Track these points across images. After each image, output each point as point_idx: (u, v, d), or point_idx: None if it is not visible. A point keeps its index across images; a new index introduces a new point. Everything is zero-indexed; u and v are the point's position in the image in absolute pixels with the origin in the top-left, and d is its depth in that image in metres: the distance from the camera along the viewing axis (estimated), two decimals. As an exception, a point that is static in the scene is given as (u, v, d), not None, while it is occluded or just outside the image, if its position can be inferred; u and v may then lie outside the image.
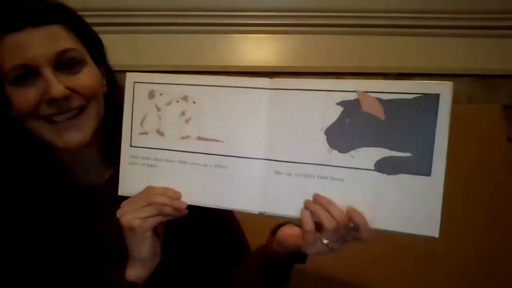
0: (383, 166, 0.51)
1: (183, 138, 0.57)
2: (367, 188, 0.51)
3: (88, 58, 0.62)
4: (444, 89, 0.48)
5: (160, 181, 0.57)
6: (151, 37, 1.23)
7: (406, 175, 0.50)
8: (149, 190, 0.56)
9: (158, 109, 0.57)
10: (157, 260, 0.58)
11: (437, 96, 0.48)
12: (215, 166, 0.56)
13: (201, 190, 0.56)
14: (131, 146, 0.59)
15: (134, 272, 0.57)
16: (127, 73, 0.59)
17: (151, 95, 0.58)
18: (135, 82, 0.58)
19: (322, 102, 0.52)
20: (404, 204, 0.50)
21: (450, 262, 1.10)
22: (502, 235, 1.12)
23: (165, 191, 0.56)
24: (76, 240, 0.63)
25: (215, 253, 0.72)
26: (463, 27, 1.23)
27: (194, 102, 0.56)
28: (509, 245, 1.11)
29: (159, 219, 0.55)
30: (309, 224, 0.52)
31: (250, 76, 0.57)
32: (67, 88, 0.57)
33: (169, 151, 0.57)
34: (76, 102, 0.58)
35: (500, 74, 1.25)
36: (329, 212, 0.51)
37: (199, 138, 0.56)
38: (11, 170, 0.62)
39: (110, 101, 0.65)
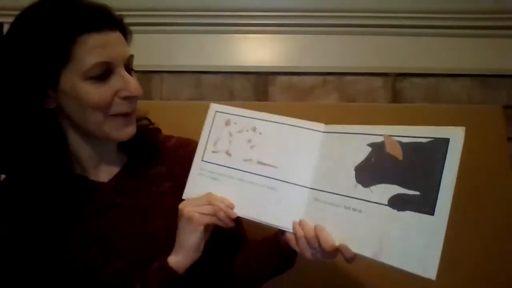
0: (394, 202, 0.55)
1: (245, 160, 0.68)
2: (378, 221, 0.55)
3: None
4: (454, 134, 0.53)
5: (219, 192, 0.67)
6: (151, 37, 1.23)
7: (412, 213, 0.53)
8: (210, 194, 0.65)
9: (230, 135, 0.70)
10: (198, 256, 0.64)
11: (447, 140, 0.53)
12: (268, 187, 0.65)
13: (251, 205, 0.65)
14: (202, 160, 0.70)
15: (176, 259, 0.63)
16: (211, 104, 0.73)
17: (227, 123, 0.71)
18: (216, 111, 0.72)
19: (360, 143, 0.60)
20: (406, 241, 0.53)
21: (450, 262, 1.10)
22: (502, 235, 1.12)
23: (222, 199, 0.65)
24: (85, 229, 0.65)
25: (217, 240, 0.74)
26: (463, 27, 1.23)
27: (260, 133, 0.68)
28: (509, 245, 1.11)
29: (213, 219, 0.63)
30: (299, 232, 0.60)
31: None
32: None
33: (232, 169, 0.68)
34: (135, 102, 0.67)
35: (500, 74, 1.25)
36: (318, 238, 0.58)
37: (259, 162, 0.67)
38: (28, 160, 0.64)
39: None
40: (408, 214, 0.53)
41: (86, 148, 0.69)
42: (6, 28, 1.20)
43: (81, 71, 0.60)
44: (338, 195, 0.60)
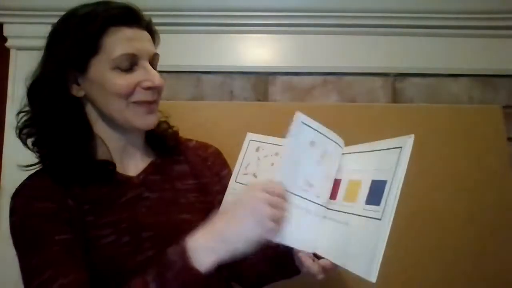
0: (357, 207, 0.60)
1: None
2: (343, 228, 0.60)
3: None
4: (405, 142, 0.56)
5: None
6: (151, 37, 1.23)
7: (359, 217, 0.58)
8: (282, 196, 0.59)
9: (258, 159, 0.77)
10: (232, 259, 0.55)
11: (399, 149, 0.57)
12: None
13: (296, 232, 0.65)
14: (235, 181, 0.77)
15: (207, 259, 0.53)
16: (248, 133, 0.81)
17: (257, 149, 0.78)
18: (250, 140, 0.80)
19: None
20: (356, 244, 0.57)
21: (450, 262, 1.10)
22: (502, 235, 1.12)
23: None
24: (118, 218, 0.68)
25: None
26: (463, 27, 1.23)
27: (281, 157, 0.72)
28: (509, 244, 1.11)
29: (281, 214, 0.57)
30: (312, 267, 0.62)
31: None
32: None
33: None
34: (157, 93, 0.71)
35: (500, 74, 1.25)
36: None
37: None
38: (58, 145, 0.69)
39: None
40: (368, 221, 0.56)
41: (113, 138, 0.73)
42: (6, 28, 1.20)
43: (109, 60, 0.66)
44: (332, 210, 0.64)
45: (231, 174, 0.79)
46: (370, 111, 1.20)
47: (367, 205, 0.58)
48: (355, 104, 1.24)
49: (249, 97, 1.25)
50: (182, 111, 1.20)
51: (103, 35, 0.65)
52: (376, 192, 0.57)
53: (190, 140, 0.86)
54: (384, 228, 0.52)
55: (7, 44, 1.20)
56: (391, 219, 0.53)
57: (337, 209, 0.63)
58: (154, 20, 0.76)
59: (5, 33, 1.20)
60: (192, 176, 0.79)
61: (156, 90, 0.71)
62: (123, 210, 0.69)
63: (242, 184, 0.76)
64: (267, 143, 0.78)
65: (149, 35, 0.72)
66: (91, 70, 0.67)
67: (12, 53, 1.20)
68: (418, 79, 1.25)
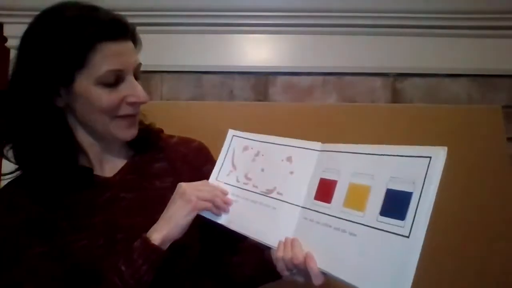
0: (381, 225, 0.53)
1: (248, 179, 0.74)
2: (367, 244, 0.53)
3: None
4: (436, 153, 0.50)
5: None
6: (150, 37, 1.22)
7: (390, 234, 0.51)
8: (208, 182, 0.73)
9: (253, 160, 0.74)
10: (179, 235, 0.65)
11: (428, 159, 0.51)
12: (264, 205, 0.69)
13: (247, 220, 0.69)
14: (216, 179, 0.76)
15: (160, 235, 0.64)
16: (229, 130, 0.80)
17: (246, 148, 0.76)
18: (233, 136, 0.79)
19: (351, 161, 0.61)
20: (383, 262, 0.51)
21: (449, 261, 1.10)
22: (502, 235, 1.12)
23: (219, 185, 0.74)
24: (92, 220, 0.68)
25: (212, 236, 0.77)
26: (463, 27, 1.23)
27: (262, 155, 0.73)
28: (509, 244, 1.12)
29: (208, 205, 0.68)
30: (279, 254, 0.61)
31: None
32: None
33: (234, 187, 0.74)
34: (138, 106, 0.71)
35: (500, 74, 1.25)
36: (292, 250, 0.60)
37: (258, 181, 0.72)
38: (37, 152, 0.67)
39: None
40: (387, 236, 0.51)
41: (92, 144, 0.73)
42: (6, 28, 1.20)
43: (94, 77, 0.64)
44: (328, 216, 0.59)
45: None
46: (370, 111, 1.20)
47: (383, 217, 0.52)
48: (355, 104, 1.24)
49: (249, 97, 1.25)
50: (182, 111, 1.20)
51: (90, 51, 0.63)
52: (395, 204, 0.52)
53: (172, 136, 0.84)
54: (415, 248, 0.48)
55: (7, 44, 1.20)
56: (422, 238, 0.48)
57: (335, 215, 0.58)
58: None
59: (5, 33, 1.20)
60: (171, 173, 0.77)
61: (138, 104, 0.70)
62: (99, 213, 0.69)
63: (229, 184, 0.74)
64: (251, 139, 0.76)
65: (133, 45, 0.69)
66: (75, 84, 0.65)
67: (12, 53, 1.20)
68: (418, 79, 1.26)
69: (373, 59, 1.24)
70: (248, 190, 0.72)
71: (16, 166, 0.70)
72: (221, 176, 0.76)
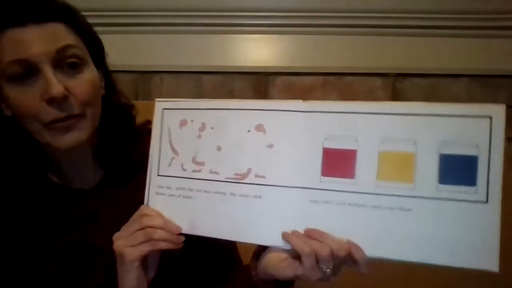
0: (440, 193, 0.48)
1: (197, 164, 0.57)
2: (421, 219, 0.48)
3: (89, 59, 0.60)
4: (496, 111, 0.46)
5: (180, 213, 0.56)
6: (150, 37, 1.22)
7: (461, 203, 0.47)
8: (142, 213, 0.55)
9: (199, 137, 0.58)
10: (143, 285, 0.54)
11: (489, 119, 0.46)
12: (240, 195, 0.54)
13: (219, 220, 0.54)
14: (158, 175, 0.59)
15: None
16: (156, 100, 0.59)
17: (183, 123, 0.58)
18: (163, 109, 0.59)
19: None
20: (459, 235, 0.47)
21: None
22: (502, 235, 1.12)
23: (158, 214, 0.55)
24: (65, 240, 0.61)
25: (203, 263, 0.69)
26: (463, 27, 1.23)
27: (212, 128, 0.56)
28: (509, 244, 1.11)
29: (150, 246, 0.53)
30: (307, 248, 0.48)
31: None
32: (66, 89, 0.55)
33: (189, 180, 0.57)
34: (75, 104, 0.57)
35: (500, 74, 1.25)
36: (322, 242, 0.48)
37: (219, 167, 0.56)
38: (3, 169, 0.60)
39: (107, 104, 0.64)
40: (457, 205, 0.46)
41: (63, 155, 0.63)
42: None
43: (2, 71, 0.55)
44: (356, 193, 0.49)
45: None
46: (370, 111, 1.19)
47: (443, 185, 0.47)
48: (355, 104, 1.24)
49: (249, 97, 1.25)
50: (182, 111, 1.20)
51: None
52: (457, 170, 0.46)
53: None
54: (496, 212, 0.45)
55: None
56: (500, 202, 0.45)
57: (369, 191, 0.49)
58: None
59: None
60: None
61: (66, 102, 0.55)
62: (72, 231, 0.61)
63: (174, 177, 0.57)
64: (194, 109, 0.57)
65: (53, 29, 0.55)
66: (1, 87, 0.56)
67: None
68: (418, 79, 1.25)
69: (373, 59, 1.24)
70: (203, 179, 0.55)
71: None
72: (163, 168, 0.58)
